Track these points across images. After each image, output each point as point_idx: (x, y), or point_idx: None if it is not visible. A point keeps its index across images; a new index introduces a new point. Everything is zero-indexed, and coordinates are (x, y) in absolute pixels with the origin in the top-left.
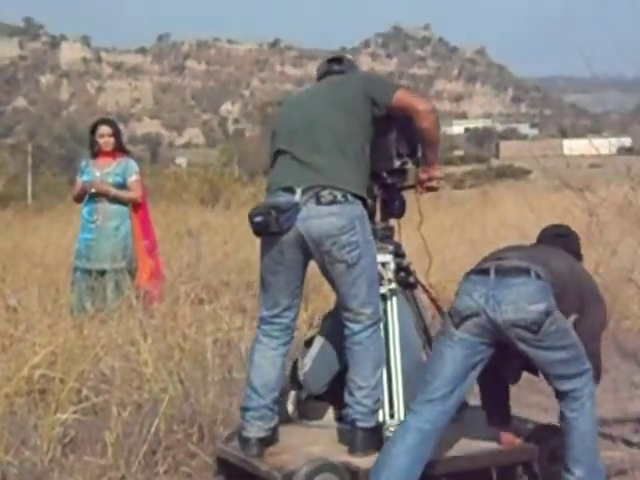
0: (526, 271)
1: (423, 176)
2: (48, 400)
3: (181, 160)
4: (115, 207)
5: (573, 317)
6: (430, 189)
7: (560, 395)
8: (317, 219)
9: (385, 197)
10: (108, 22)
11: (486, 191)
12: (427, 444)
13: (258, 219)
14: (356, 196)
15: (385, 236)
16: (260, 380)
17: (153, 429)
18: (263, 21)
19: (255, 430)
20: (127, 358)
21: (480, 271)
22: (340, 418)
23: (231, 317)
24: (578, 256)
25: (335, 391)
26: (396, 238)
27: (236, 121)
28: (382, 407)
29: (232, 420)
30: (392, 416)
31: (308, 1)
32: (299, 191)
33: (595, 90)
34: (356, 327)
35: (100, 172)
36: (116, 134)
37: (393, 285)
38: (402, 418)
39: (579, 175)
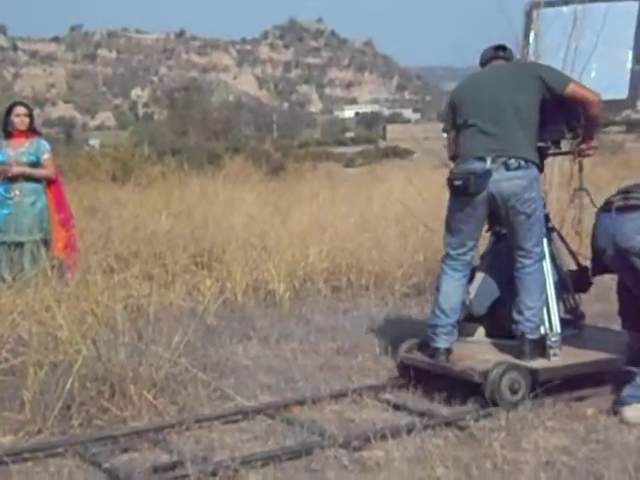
0: (638, 207)
1: (584, 146)
2: None
3: (94, 141)
4: (31, 184)
5: None
6: (586, 155)
7: None
8: (506, 182)
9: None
10: (23, 13)
11: (374, 169)
12: None
13: (458, 182)
14: (533, 162)
15: None
16: (447, 304)
17: (68, 387)
18: (170, 12)
19: (443, 342)
20: (43, 323)
21: (605, 209)
22: (489, 334)
23: (140, 285)
24: None
25: (489, 314)
26: None
27: (146, 105)
28: (543, 323)
29: (140, 377)
30: (551, 329)
31: None
32: (489, 159)
33: None
34: (528, 261)
35: (14, 152)
36: (31, 115)
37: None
38: (558, 330)
39: None
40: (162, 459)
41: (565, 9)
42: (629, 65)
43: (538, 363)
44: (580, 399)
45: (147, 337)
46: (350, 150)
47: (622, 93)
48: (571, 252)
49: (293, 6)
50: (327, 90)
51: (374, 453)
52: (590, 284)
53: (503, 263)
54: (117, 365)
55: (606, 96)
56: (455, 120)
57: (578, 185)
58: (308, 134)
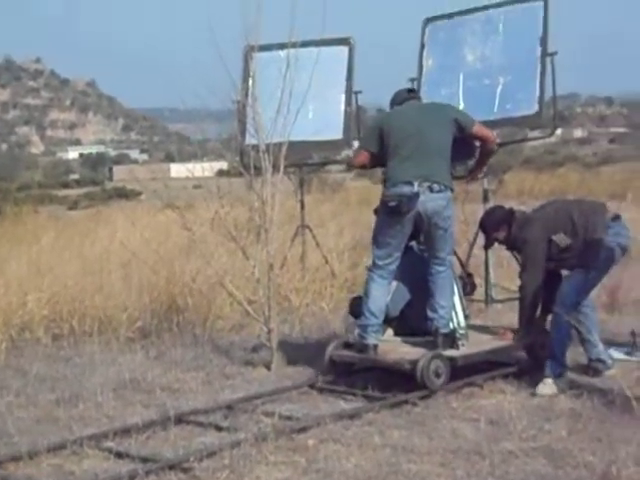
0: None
1: (476, 171)
2: None
3: None
4: None
5: None
6: (477, 179)
7: None
8: (431, 202)
9: None
10: None
11: (99, 211)
12: None
13: (393, 204)
14: (449, 186)
15: None
16: (375, 306)
17: None
18: None
19: (372, 339)
20: None
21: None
22: (397, 334)
23: None
24: None
25: (398, 316)
26: None
27: None
28: (452, 319)
29: None
30: (458, 324)
31: None
32: (416, 184)
33: (195, 120)
34: (441, 268)
35: None
36: None
37: None
38: (464, 324)
39: (184, 195)
40: None
41: (281, 53)
42: (342, 107)
43: (453, 352)
44: (301, 430)
45: None
46: (74, 192)
47: (338, 134)
48: (460, 262)
49: (8, 45)
50: (49, 131)
51: None
52: (475, 289)
53: (411, 272)
54: None
55: (323, 137)
56: (382, 145)
57: (300, 222)
58: (29, 176)
